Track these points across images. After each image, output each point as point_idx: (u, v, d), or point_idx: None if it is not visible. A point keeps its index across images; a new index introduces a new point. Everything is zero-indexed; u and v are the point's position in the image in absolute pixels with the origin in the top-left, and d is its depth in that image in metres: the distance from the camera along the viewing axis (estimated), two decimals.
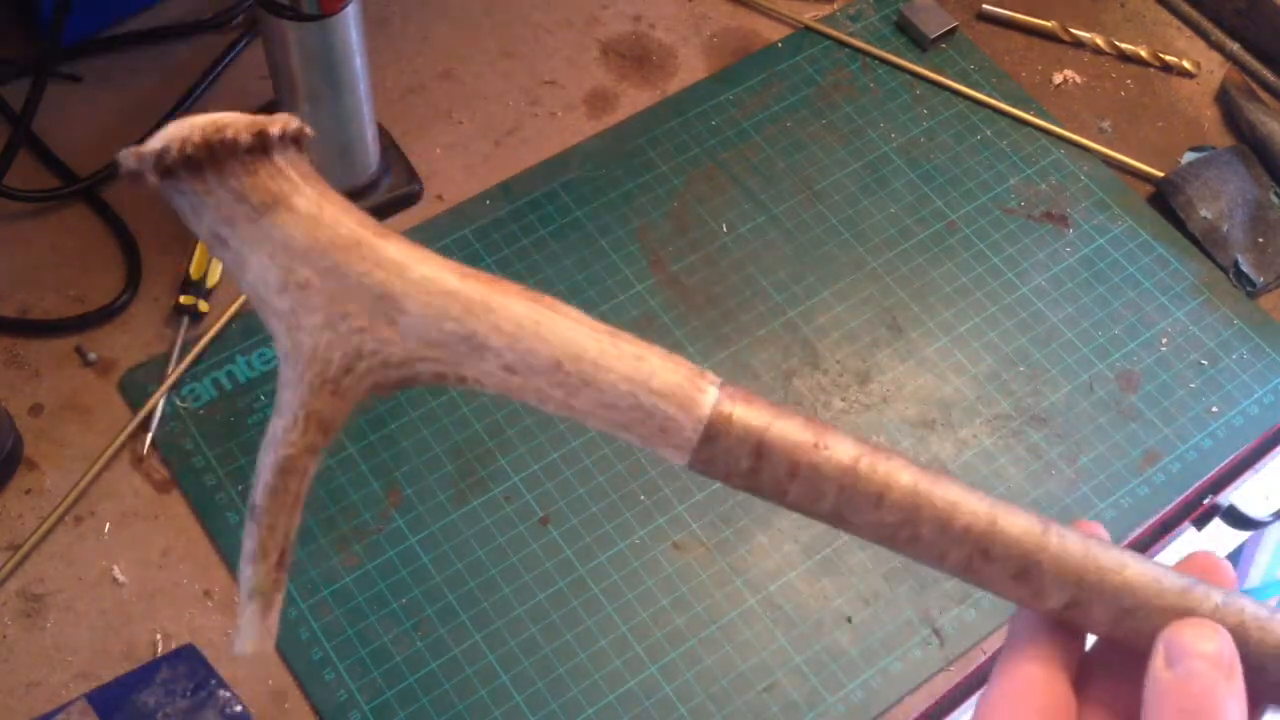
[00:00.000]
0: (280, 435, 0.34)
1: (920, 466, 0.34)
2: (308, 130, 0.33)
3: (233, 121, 0.31)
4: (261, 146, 0.32)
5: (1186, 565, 0.36)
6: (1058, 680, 0.34)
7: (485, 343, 0.33)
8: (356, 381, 0.33)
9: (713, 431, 0.33)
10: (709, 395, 0.33)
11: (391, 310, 0.33)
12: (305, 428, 0.34)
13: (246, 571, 0.34)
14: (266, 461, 0.34)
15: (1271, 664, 0.34)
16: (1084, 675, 0.36)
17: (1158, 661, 0.33)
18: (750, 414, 0.33)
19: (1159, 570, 0.34)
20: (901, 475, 0.34)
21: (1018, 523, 0.34)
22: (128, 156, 0.31)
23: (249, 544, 0.34)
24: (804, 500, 0.34)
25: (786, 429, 0.33)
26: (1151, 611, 0.34)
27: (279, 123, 0.32)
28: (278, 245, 0.32)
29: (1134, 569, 0.34)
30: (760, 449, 0.33)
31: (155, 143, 0.31)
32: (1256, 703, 0.34)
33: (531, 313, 0.33)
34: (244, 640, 0.34)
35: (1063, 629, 0.35)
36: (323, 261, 0.33)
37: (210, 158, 0.31)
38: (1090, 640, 0.36)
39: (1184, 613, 0.33)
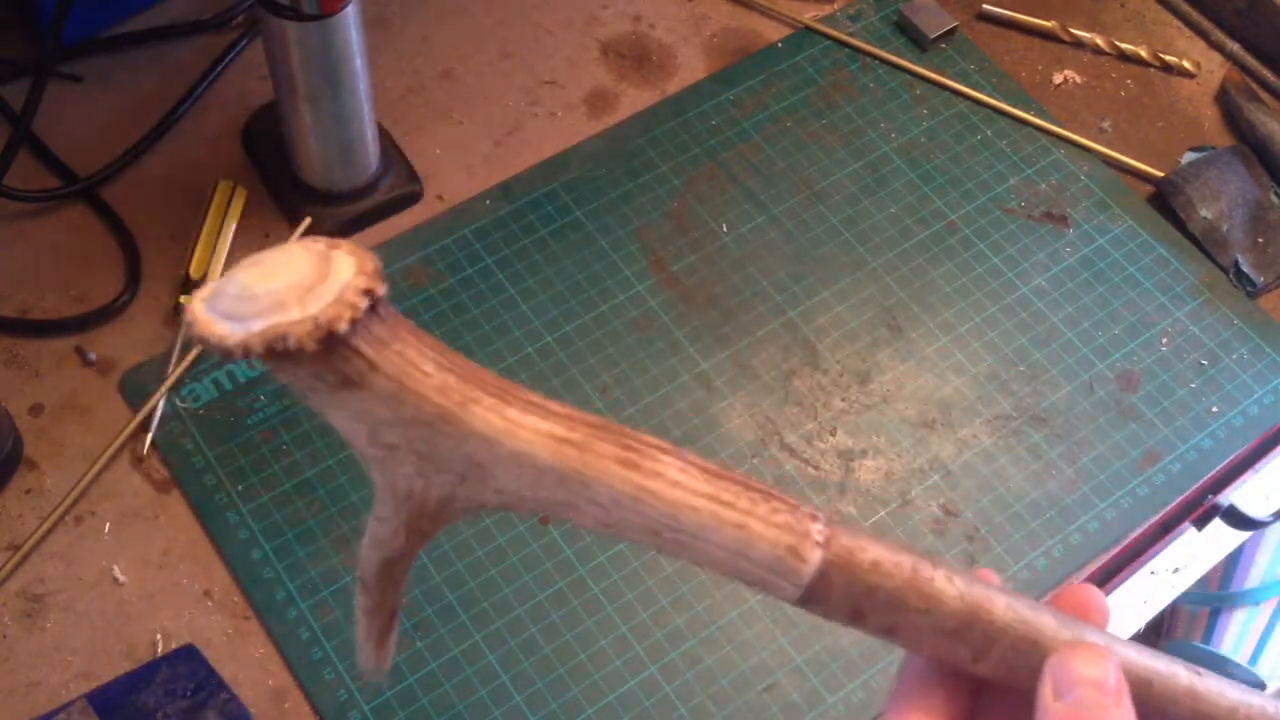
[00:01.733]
0: (382, 538, 0.35)
1: (1023, 607, 0.34)
2: (380, 290, 0.31)
3: (295, 329, 0.29)
4: (327, 349, 0.30)
5: (1063, 598, 0.36)
6: None
7: (580, 509, 0.33)
8: (453, 514, 0.34)
9: (812, 594, 0.33)
10: (810, 564, 0.32)
11: (483, 477, 0.33)
12: (407, 537, 0.35)
13: (365, 624, 0.38)
14: (371, 555, 0.36)
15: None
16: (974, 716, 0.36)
17: (1046, 692, 0.33)
18: (853, 570, 0.33)
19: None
20: (1005, 627, 0.34)
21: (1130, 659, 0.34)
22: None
23: (364, 605, 0.37)
24: (906, 645, 0.34)
25: (889, 585, 0.33)
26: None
27: (346, 311, 0.30)
28: (360, 417, 0.32)
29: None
30: (858, 610, 0.33)
31: (221, 329, 0.30)
32: None
33: (627, 484, 0.32)
34: (366, 667, 0.38)
35: (946, 680, 0.35)
36: (409, 432, 0.32)
37: (275, 359, 0.30)
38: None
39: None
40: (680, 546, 0.32)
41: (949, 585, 0.33)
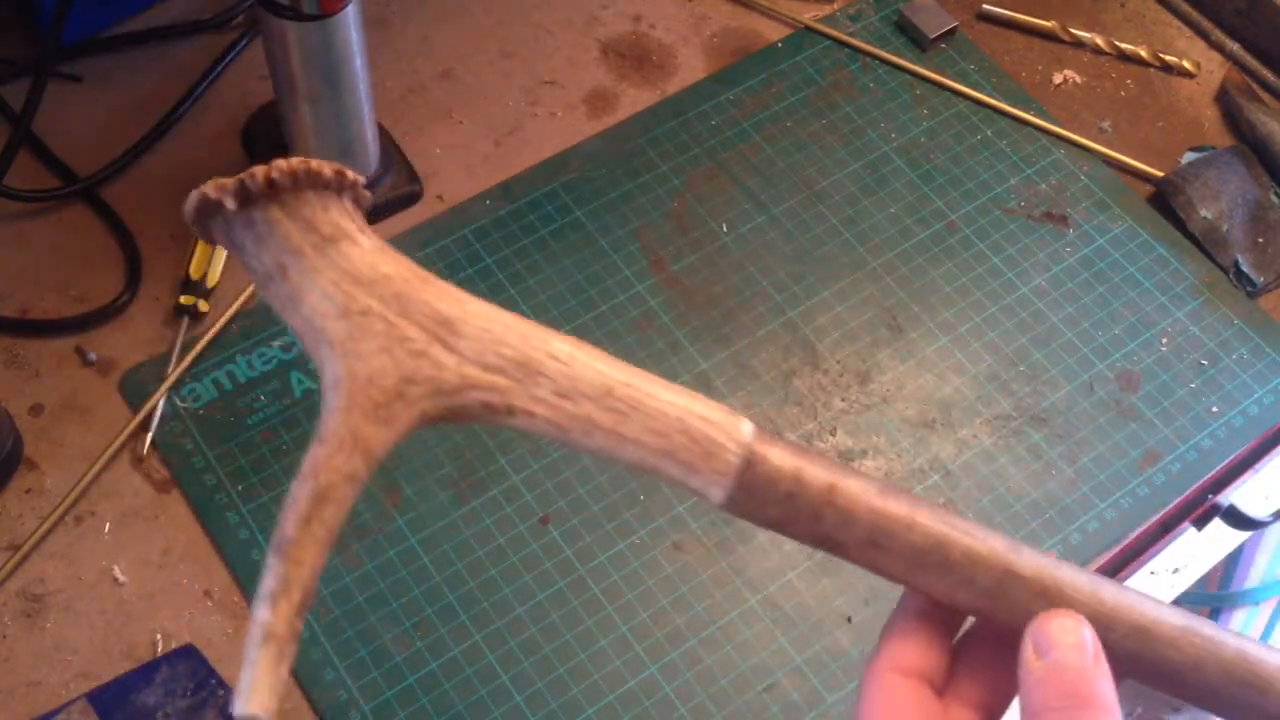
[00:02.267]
0: (321, 461, 0.33)
1: (938, 507, 0.36)
2: (368, 195, 0.36)
3: (316, 161, 0.34)
4: (338, 184, 0.34)
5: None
6: (918, 688, 0.37)
7: (540, 368, 0.34)
8: (407, 408, 0.34)
9: (754, 456, 0.34)
10: (747, 425, 0.35)
11: (449, 334, 0.34)
12: (350, 452, 0.33)
13: (263, 613, 0.31)
14: (302, 491, 0.32)
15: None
16: (950, 678, 0.38)
17: (1028, 653, 0.35)
18: (783, 445, 0.35)
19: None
20: (925, 517, 0.36)
21: (1029, 552, 0.36)
22: (209, 187, 0.33)
23: (270, 582, 0.31)
24: (837, 529, 0.35)
25: (818, 459, 0.35)
26: (1165, 645, 0.35)
27: (343, 169, 0.35)
28: (342, 273, 0.34)
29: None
30: (798, 475, 0.34)
31: (239, 176, 0.33)
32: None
33: (581, 346, 0.35)
34: (249, 699, 0.30)
35: (926, 634, 0.37)
36: (385, 290, 0.34)
37: (293, 185, 0.33)
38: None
39: (1193, 652, 0.35)
40: (632, 406, 0.34)
41: (864, 494, 0.35)
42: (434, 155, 0.83)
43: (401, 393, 0.34)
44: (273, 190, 0.33)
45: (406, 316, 0.34)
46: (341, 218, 0.34)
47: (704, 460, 0.34)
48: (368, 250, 0.34)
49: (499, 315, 0.35)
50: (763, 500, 0.35)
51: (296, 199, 0.34)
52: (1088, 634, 0.35)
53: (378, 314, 0.34)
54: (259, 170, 0.33)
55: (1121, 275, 0.82)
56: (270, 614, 0.31)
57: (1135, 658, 0.36)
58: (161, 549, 0.68)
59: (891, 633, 0.38)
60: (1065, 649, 0.35)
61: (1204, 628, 0.36)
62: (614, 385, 0.34)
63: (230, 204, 0.33)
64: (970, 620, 0.39)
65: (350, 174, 0.35)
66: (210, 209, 0.33)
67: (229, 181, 0.33)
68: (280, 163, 0.33)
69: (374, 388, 0.34)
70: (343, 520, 0.33)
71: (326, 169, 0.34)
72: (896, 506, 0.35)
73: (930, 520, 0.36)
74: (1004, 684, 0.37)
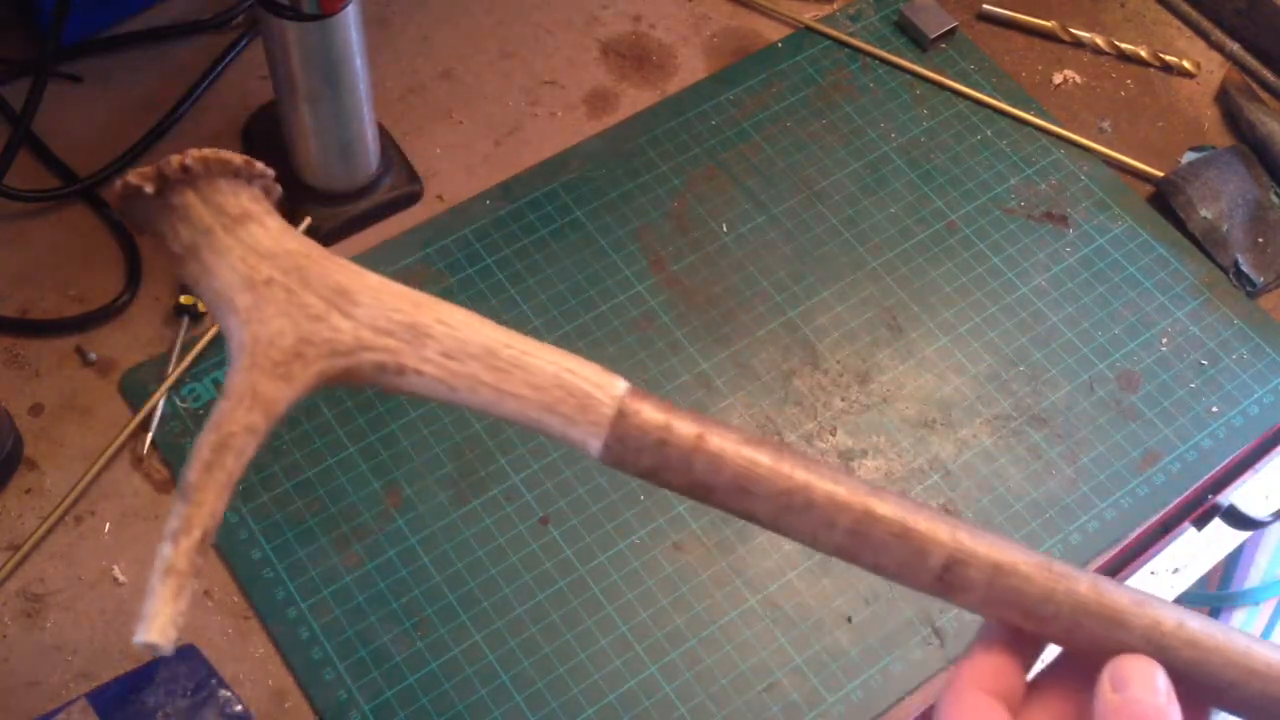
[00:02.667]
0: (224, 414, 0.36)
1: (805, 457, 0.39)
2: (278, 188, 0.40)
3: (226, 151, 0.38)
4: (247, 173, 0.38)
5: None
6: (995, 708, 0.38)
7: (428, 331, 0.37)
8: (305, 367, 0.37)
9: (626, 408, 0.37)
10: (620, 381, 0.38)
11: (346, 303, 0.37)
12: (250, 406, 0.36)
13: (165, 550, 0.34)
14: (205, 440, 0.36)
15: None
16: (1024, 706, 0.40)
17: (1104, 686, 0.38)
18: (655, 401, 0.38)
19: (1022, 553, 0.38)
20: (795, 467, 0.38)
21: (892, 497, 0.38)
22: (130, 175, 0.37)
23: (173, 522, 0.35)
24: (708, 474, 0.38)
25: (689, 412, 0.38)
26: (1021, 580, 0.38)
27: (261, 165, 0.39)
28: (248, 249, 0.37)
29: (1025, 565, 0.38)
30: (668, 425, 0.37)
31: (157, 164, 0.37)
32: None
33: (467, 314, 0.38)
34: (148, 627, 0.33)
35: (1009, 654, 0.39)
36: (287, 263, 0.37)
37: (204, 171, 0.37)
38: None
39: (1046, 582, 0.38)
40: (513, 365, 0.37)
41: (731, 442, 0.38)
42: (434, 155, 0.83)
43: (300, 353, 0.37)
44: (186, 176, 0.37)
45: (307, 286, 0.37)
46: (250, 202, 0.38)
47: (580, 413, 0.37)
48: (273, 229, 0.38)
49: (392, 286, 0.38)
50: (636, 449, 0.37)
51: (209, 186, 0.37)
52: (1161, 676, 0.37)
53: (280, 284, 0.37)
54: (174, 158, 0.37)
55: (1121, 275, 0.82)
56: (172, 550, 0.35)
57: (989, 586, 0.38)
58: None
59: (974, 652, 0.40)
60: (1140, 687, 0.37)
61: (1059, 564, 0.38)
62: (496, 346, 0.37)
63: (149, 188, 0.37)
64: (1048, 651, 0.41)
65: (259, 164, 0.38)
66: (132, 194, 0.37)
67: (149, 169, 0.37)
68: (193, 151, 0.37)
69: (274, 348, 0.37)
70: (242, 469, 0.36)
71: (235, 159, 0.37)
72: (762, 453, 0.38)
73: (794, 466, 0.38)
74: (1075, 717, 0.39)
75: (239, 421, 0.36)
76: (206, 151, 0.37)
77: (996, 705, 0.39)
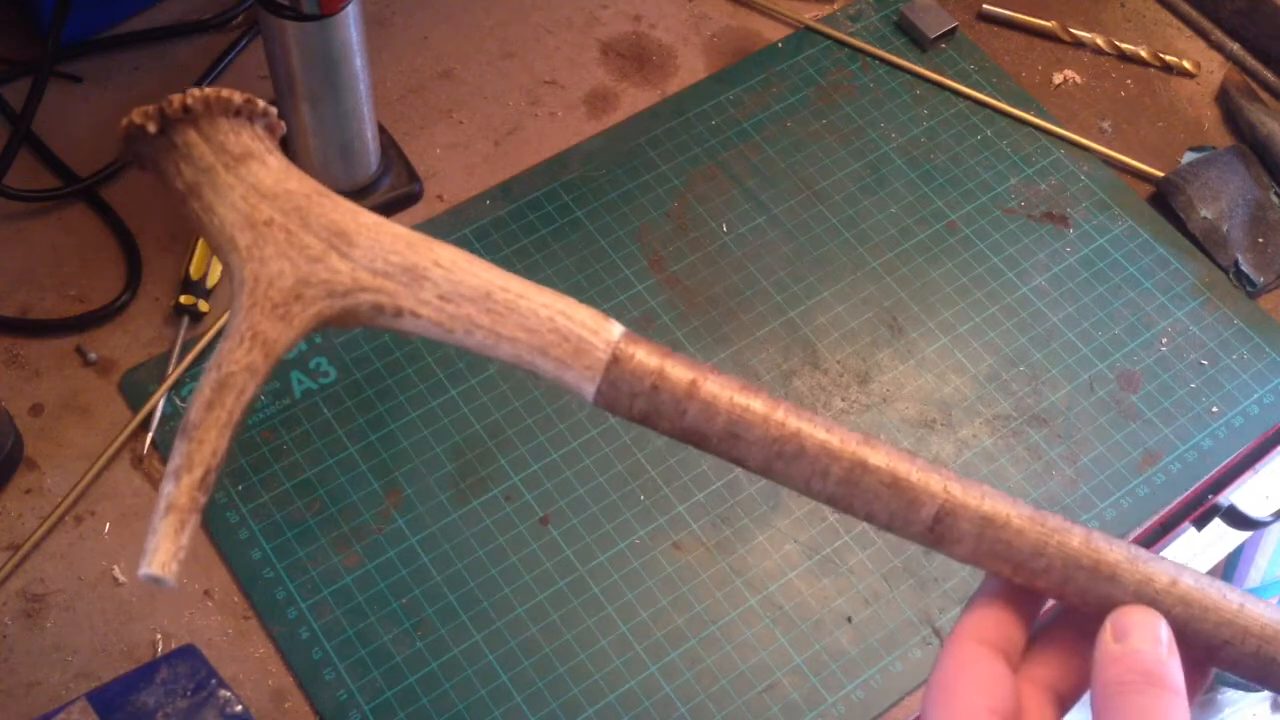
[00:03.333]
0: (225, 354, 0.37)
1: (798, 409, 0.39)
2: (282, 125, 0.40)
3: (227, 90, 0.38)
4: (248, 111, 0.38)
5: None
6: (994, 658, 0.38)
7: (425, 273, 0.37)
8: (303, 308, 0.37)
9: (620, 353, 0.37)
10: (615, 326, 0.38)
11: (344, 244, 0.37)
12: (250, 346, 0.37)
13: (167, 487, 0.35)
14: (207, 380, 0.36)
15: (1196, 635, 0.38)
16: (1027, 656, 0.40)
17: (1106, 636, 0.38)
18: (649, 345, 0.38)
19: (1015, 505, 0.39)
20: (783, 411, 0.38)
21: (884, 448, 0.38)
22: (134, 113, 0.37)
23: (175, 459, 0.36)
24: (701, 420, 0.38)
25: (682, 359, 0.38)
26: (1012, 533, 0.38)
27: (263, 102, 0.39)
28: (249, 188, 0.38)
29: (991, 497, 0.39)
30: (661, 370, 0.37)
31: (158, 103, 0.37)
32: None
33: (463, 254, 0.38)
34: (150, 560, 0.34)
35: (1009, 609, 0.39)
36: (287, 203, 0.38)
37: (206, 110, 0.37)
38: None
39: (1038, 536, 0.38)
40: (508, 308, 0.38)
41: (725, 388, 0.38)
42: (434, 155, 0.83)
43: (299, 294, 0.37)
44: (188, 115, 0.37)
45: (306, 227, 0.37)
46: (252, 140, 0.38)
47: (574, 357, 0.37)
48: (274, 169, 0.38)
49: (390, 226, 0.38)
50: (630, 394, 0.38)
51: (211, 124, 0.38)
52: (1163, 627, 0.37)
53: (279, 224, 0.37)
54: (175, 97, 0.37)
55: (1121, 275, 0.82)
56: (174, 487, 0.35)
57: (980, 538, 0.38)
58: None
59: (973, 606, 0.40)
60: (1141, 637, 0.37)
61: (1052, 518, 0.38)
62: (492, 289, 0.38)
63: (152, 127, 0.37)
64: (1049, 605, 0.41)
65: (261, 103, 0.38)
66: (135, 133, 0.37)
67: (151, 108, 0.37)
68: (194, 90, 0.37)
69: (274, 289, 0.37)
70: (244, 408, 0.36)
71: (236, 97, 0.38)
72: (755, 400, 0.38)
73: (786, 414, 0.38)
74: (1076, 670, 0.39)
75: (239, 361, 0.36)
76: (208, 90, 0.37)
77: (995, 655, 0.39)
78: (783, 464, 0.38)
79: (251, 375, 0.37)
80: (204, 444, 0.36)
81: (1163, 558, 0.39)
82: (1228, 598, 0.38)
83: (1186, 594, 0.38)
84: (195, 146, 0.38)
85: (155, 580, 0.34)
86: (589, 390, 0.38)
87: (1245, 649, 0.38)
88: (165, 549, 0.34)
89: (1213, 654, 0.38)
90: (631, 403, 0.38)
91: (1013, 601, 0.40)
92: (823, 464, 0.38)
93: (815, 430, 0.38)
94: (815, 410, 0.75)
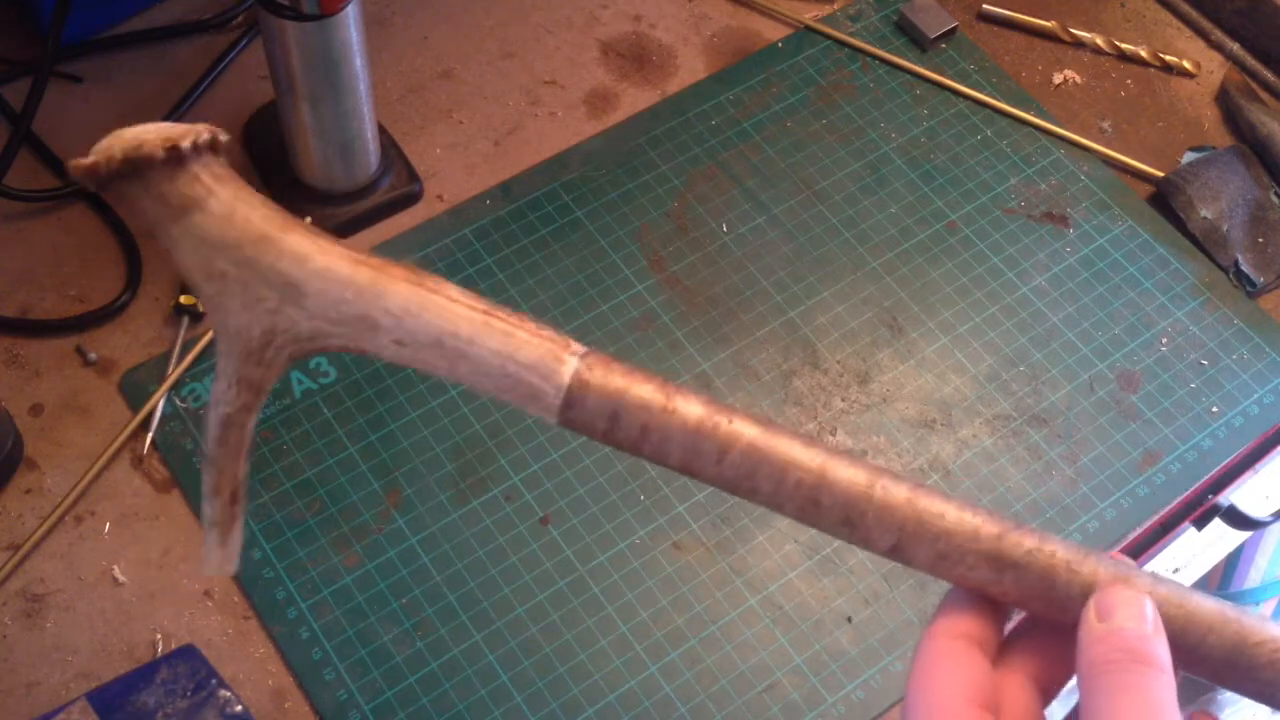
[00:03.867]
0: (219, 397, 0.39)
1: (765, 424, 0.38)
2: (221, 137, 0.38)
3: (149, 138, 0.36)
4: (176, 159, 0.37)
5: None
6: (970, 650, 0.38)
7: (377, 322, 0.38)
8: (276, 352, 0.39)
9: (572, 398, 0.38)
10: (568, 366, 0.38)
11: (295, 295, 0.38)
12: (239, 390, 0.39)
13: (206, 507, 0.40)
14: (212, 418, 0.39)
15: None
16: (1005, 651, 0.39)
17: (1090, 616, 0.37)
18: (608, 380, 0.38)
19: (979, 518, 0.38)
20: (742, 434, 0.38)
21: (845, 475, 0.38)
22: (73, 167, 0.37)
23: (206, 483, 0.40)
24: (657, 455, 0.38)
25: (641, 392, 0.38)
26: (966, 554, 0.38)
27: (190, 135, 0.37)
28: (197, 241, 0.38)
29: (953, 516, 0.38)
30: (615, 413, 0.38)
31: (90, 157, 0.36)
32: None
33: (415, 296, 0.38)
34: (206, 565, 0.40)
35: (980, 609, 0.39)
36: (236, 254, 0.38)
37: (133, 170, 0.36)
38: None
39: (997, 555, 0.38)
40: (459, 355, 0.38)
41: (689, 405, 0.38)
42: (434, 155, 0.83)
43: (268, 341, 0.38)
44: (118, 175, 0.36)
45: (259, 278, 0.38)
46: (190, 186, 0.37)
47: (529, 401, 0.38)
48: (218, 214, 0.37)
49: (338, 267, 0.38)
50: (589, 427, 0.38)
51: (143, 179, 0.37)
52: (1149, 605, 0.37)
53: (234, 277, 0.38)
54: (103, 155, 0.36)
55: (1121, 275, 0.82)
56: (210, 508, 0.40)
57: (934, 568, 0.38)
58: (161, 549, 0.68)
59: (948, 603, 0.40)
60: (1126, 615, 0.36)
61: (989, 522, 0.38)
62: (443, 337, 0.38)
63: (90, 186, 0.37)
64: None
65: (186, 141, 0.37)
66: (81, 179, 0.37)
67: (85, 164, 0.36)
68: (117, 148, 0.36)
69: (245, 339, 0.38)
70: (249, 438, 0.40)
71: (157, 151, 0.36)
72: (704, 437, 0.38)
73: (741, 434, 0.38)
74: (1057, 659, 0.39)
75: (233, 404, 0.39)
76: (129, 148, 0.36)
77: (973, 649, 0.38)
78: (742, 495, 0.38)
79: (246, 412, 0.39)
80: (224, 471, 0.40)
81: (1105, 555, 0.39)
82: (1188, 599, 0.38)
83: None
84: (137, 199, 0.37)
85: (217, 573, 0.41)
86: (551, 422, 0.39)
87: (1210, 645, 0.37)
88: (216, 555, 0.40)
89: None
90: (592, 435, 0.39)
91: (986, 600, 0.39)
92: (789, 487, 0.38)
93: (769, 461, 0.38)
94: (816, 412, 0.75)
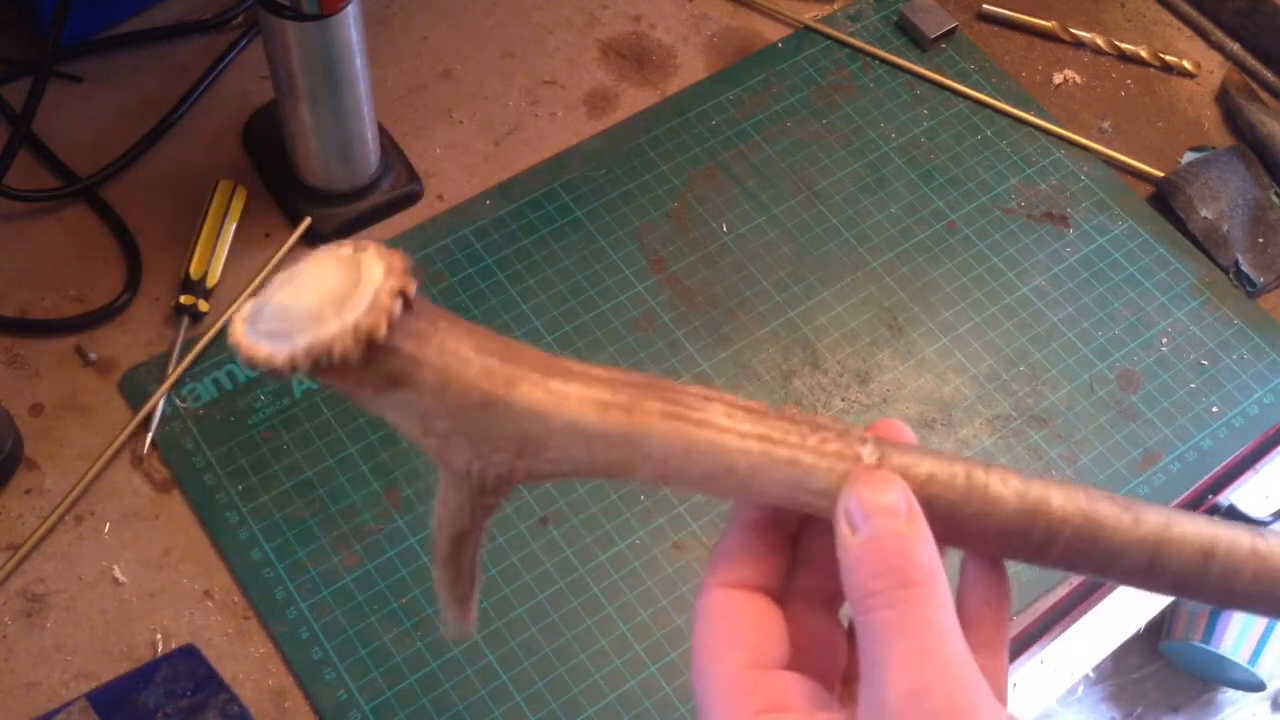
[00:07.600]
0: (450, 516, 0.36)
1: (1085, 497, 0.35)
2: (412, 289, 0.32)
3: (337, 342, 0.31)
4: (369, 353, 0.31)
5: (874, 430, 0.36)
6: (749, 600, 0.34)
7: (634, 467, 0.34)
8: (508, 485, 0.35)
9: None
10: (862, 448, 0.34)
11: (538, 449, 0.34)
12: (470, 512, 0.35)
13: (443, 592, 0.38)
14: (442, 535, 0.36)
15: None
16: (797, 573, 0.36)
17: (843, 529, 0.32)
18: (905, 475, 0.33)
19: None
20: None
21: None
22: (253, 360, 0.32)
23: (442, 581, 0.38)
24: (973, 548, 0.35)
25: (943, 484, 0.33)
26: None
27: (381, 314, 0.31)
28: (410, 410, 0.33)
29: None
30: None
31: (265, 349, 0.31)
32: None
33: (678, 436, 0.33)
34: (448, 629, 0.39)
35: (758, 542, 0.35)
36: (459, 420, 0.33)
37: (322, 373, 0.32)
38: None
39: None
40: (739, 487, 0.33)
41: (1004, 488, 0.34)
42: (434, 155, 0.83)
43: (504, 478, 0.35)
44: (310, 371, 0.32)
45: (488, 440, 0.33)
46: (389, 364, 0.32)
47: (830, 512, 0.34)
48: (428, 387, 0.33)
49: (584, 423, 0.33)
50: None
51: (338, 372, 0.33)
52: (899, 491, 0.32)
53: (458, 437, 0.33)
54: (284, 359, 0.31)
55: (1121, 275, 0.82)
56: (448, 591, 0.38)
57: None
58: (161, 549, 0.68)
59: (719, 550, 0.36)
60: (878, 515, 0.32)
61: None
62: (716, 475, 0.33)
63: (278, 376, 0.32)
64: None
65: (382, 329, 0.31)
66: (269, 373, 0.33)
67: (264, 358, 0.32)
68: (301, 354, 0.31)
69: (476, 479, 0.35)
70: (482, 538, 0.37)
71: (351, 353, 0.31)
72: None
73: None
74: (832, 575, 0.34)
75: (465, 524, 0.36)
76: (317, 352, 0.31)
77: (752, 596, 0.35)
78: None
79: (481, 525, 0.36)
80: (462, 565, 0.37)
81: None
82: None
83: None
84: (335, 383, 0.33)
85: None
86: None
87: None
88: (457, 626, 0.39)
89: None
90: None
91: (761, 527, 0.35)
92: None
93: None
94: (815, 411, 0.75)
